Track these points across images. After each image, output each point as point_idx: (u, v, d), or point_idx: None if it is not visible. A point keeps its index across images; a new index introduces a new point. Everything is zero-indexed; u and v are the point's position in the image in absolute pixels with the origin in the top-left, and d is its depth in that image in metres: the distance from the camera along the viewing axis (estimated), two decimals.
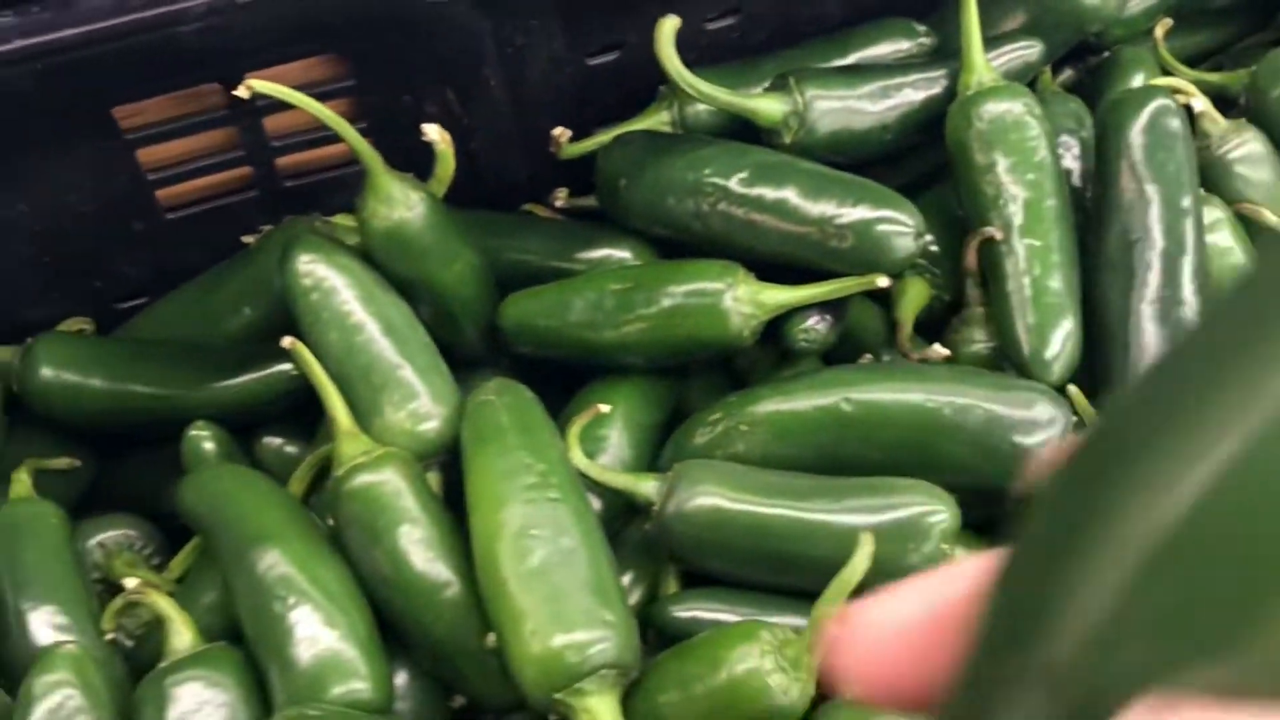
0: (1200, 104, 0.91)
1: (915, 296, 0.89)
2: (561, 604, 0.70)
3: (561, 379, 0.92)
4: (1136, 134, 0.85)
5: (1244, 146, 0.92)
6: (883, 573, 0.74)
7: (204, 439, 0.87)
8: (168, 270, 0.95)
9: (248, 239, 0.94)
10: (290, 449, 0.92)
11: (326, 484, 0.82)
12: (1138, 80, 0.97)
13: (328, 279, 0.83)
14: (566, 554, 0.72)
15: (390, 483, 0.77)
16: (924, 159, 0.96)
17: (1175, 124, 0.86)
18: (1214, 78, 1.00)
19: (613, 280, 0.87)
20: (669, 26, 0.82)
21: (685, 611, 0.78)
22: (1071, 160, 0.91)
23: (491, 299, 0.91)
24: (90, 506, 0.92)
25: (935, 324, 0.91)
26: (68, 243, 0.89)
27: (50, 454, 0.91)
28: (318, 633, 0.73)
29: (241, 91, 0.74)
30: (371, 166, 0.81)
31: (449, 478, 0.83)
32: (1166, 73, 1.02)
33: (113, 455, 0.96)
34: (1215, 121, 0.93)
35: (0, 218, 0.84)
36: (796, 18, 0.95)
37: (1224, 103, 0.99)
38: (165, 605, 0.76)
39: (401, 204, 0.82)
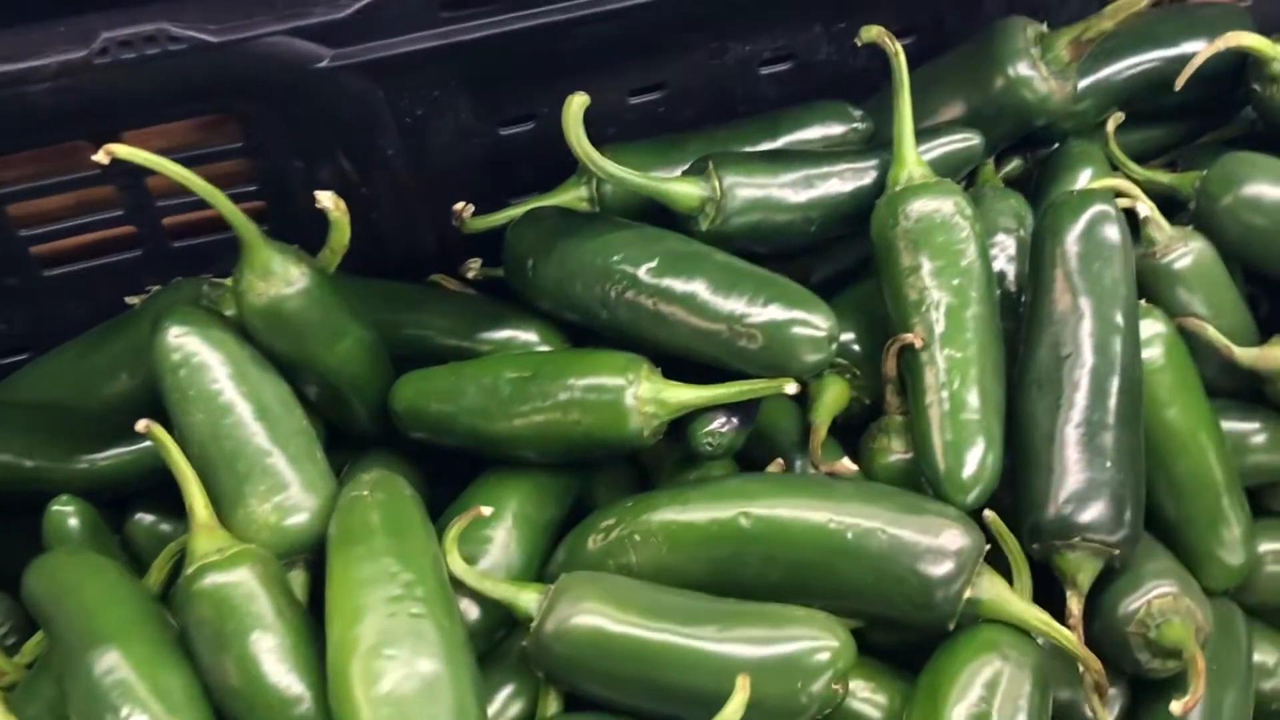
0: (1145, 209, 0.86)
1: (833, 399, 0.83)
2: None
3: (465, 461, 0.86)
4: (1072, 242, 0.80)
5: (1189, 256, 0.87)
6: (770, 712, 0.69)
7: (68, 515, 0.82)
8: (50, 327, 0.90)
9: (132, 300, 0.89)
10: (164, 526, 0.86)
11: (178, 581, 0.76)
12: (1085, 177, 0.93)
13: (198, 354, 0.77)
14: (424, 678, 0.66)
15: (243, 584, 0.71)
16: (854, 249, 0.91)
17: (1114, 232, 0.81)
18: (1164, 178, 0.96)
19: (510, 367, 0.82)
20: (577, 104, 0.77)
21: None
22: (1006, 262, 0.86)
23: (385, 377, 0.85)
24: None
25: (855, 425, 0.86)
26: None
27: None
28: None
29: (100, 157, 0.68)
30: (246, 237, 0.75)
31: (317, 577, 0.77)
32: (1117, 168, 0.98)
33: None
34: (1160, 228, 0.88)
35: None
36: (727, 95, 0.91)
37: (1173, 205, 0.94)
38: None
39: (280, 279, 0.77)
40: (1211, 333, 0.84)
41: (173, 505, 0.86)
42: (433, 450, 0.87)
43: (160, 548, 0.83)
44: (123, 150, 0.69)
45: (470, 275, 0.95)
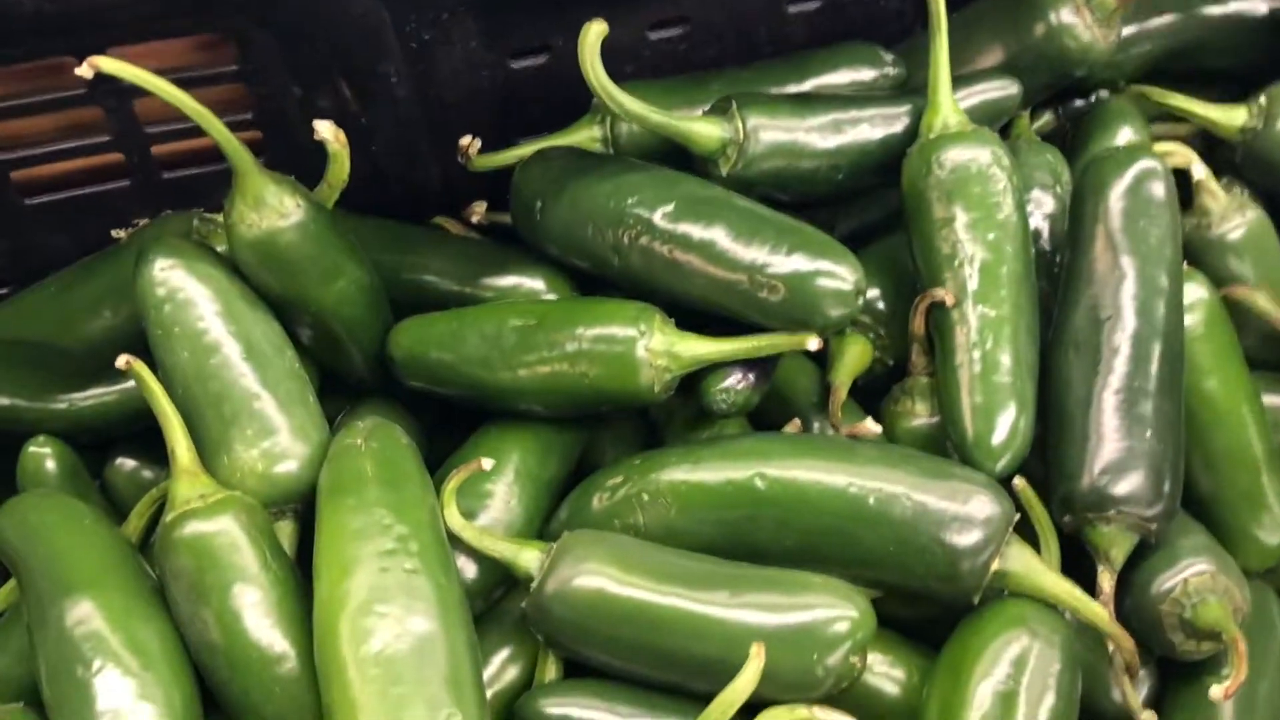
0: (1201, 171, 0.82)
1: (854, 358, 0.79)
2: (402, 698, 0.60)
3: (465, 413, 0.82)
4: (1116, 198, 0.76)
5: (1244, 227, 0.83)
6: (784, 684, 0.65)
7: (45, 456, 0.78)
8: (29, 261, 0.85)
9: (117, 233, 0.84)
10: (146, 473, 0.83)
11: (157, 529, 0.72)
12: (1124, 135, 0.88)
13: (184, 290, 0.73)
14: (417, 638, 0.62)
15: (226, 533, 0.67)
16: (880, 203, 0.87)
17: (1161, 190, 0.76)
18: (1213, 112, 0.90)
19: (515, 315, 0.77)
20: (595, 32, 0.72)
21: (557, 708, 0.68)
22: (1042, 219, 0.82)
23: (383, 321, 0.81)
24: None
25: (876, 388, 0.82)
26: None
27: None
28: (126, 706, 0.62)
29: (84, 70, 0.64)
30: (239, 165, 0.71)
31: (310, 529, 0.73)
32: (1155, 118, 0.93)
33: None
34: (1215, 196, 0.83)
35: None
36: (753, 34, 0.86)
37: (1220, 144, 0.90)
38: None
39: (274, 210, 0.72)
40: (1263, 302, 0.80)
41: (156, 450, 0.82)
42: (431, 400, 0.83)
43: (142, 495, 0.80)
44: (108, 64, 0.64)
45: (475, 220, 0.90)
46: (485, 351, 0.77)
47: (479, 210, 0.90)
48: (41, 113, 0.75)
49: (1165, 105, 0.91)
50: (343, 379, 0.83)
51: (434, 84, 0.79)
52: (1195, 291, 0.78)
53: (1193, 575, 0.71)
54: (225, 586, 0.66)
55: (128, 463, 0.82)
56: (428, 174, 0.87)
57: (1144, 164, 0.77)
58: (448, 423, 0.84)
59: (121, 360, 0.69)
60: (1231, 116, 0.90)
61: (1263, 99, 0.88)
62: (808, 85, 0.85)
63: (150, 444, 0.82)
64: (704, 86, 0.85)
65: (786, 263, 0.73)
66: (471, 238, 0.90)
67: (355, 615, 0.62)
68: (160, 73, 0.70)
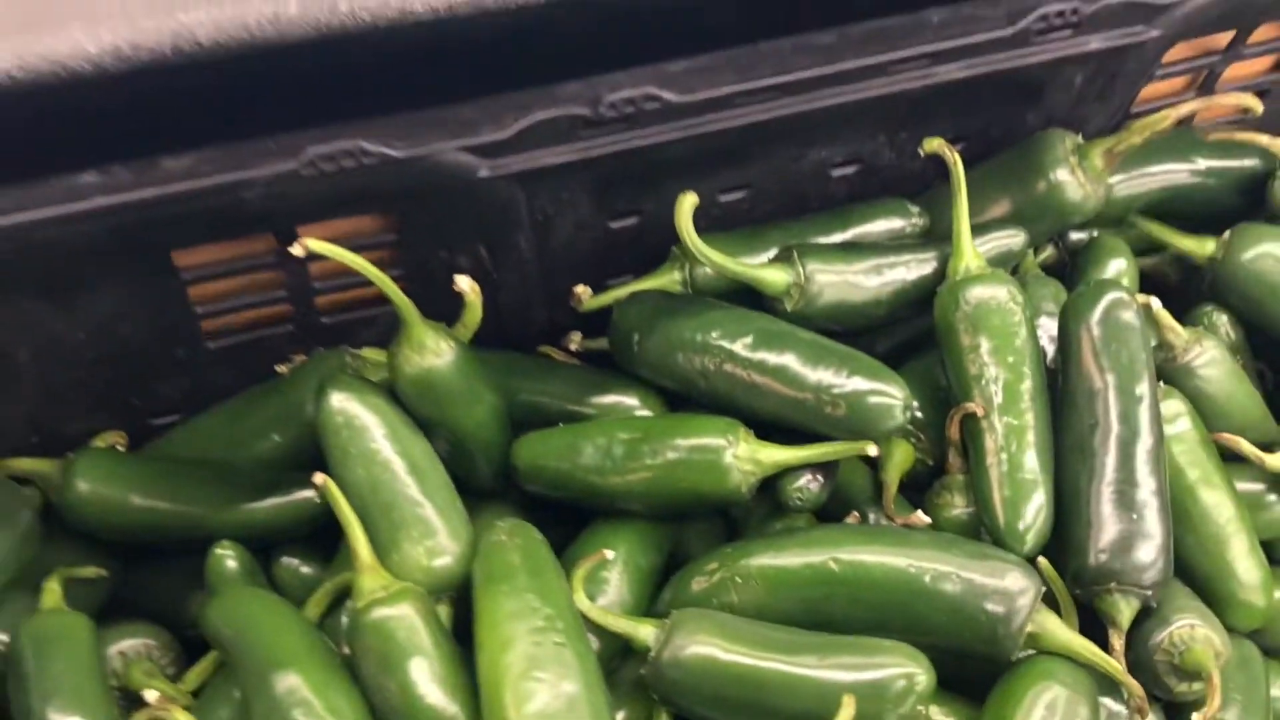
0: (1157, 304, 1.00)
1: (901, 460, 0.96)
2: None
3: (566, 512, 0.98)
4: (1093, 325, 0.93)
5: (1204, 355, 1.01)
6: None
7: (228, 558, 0.93)
8: (201, 390, 1.01)
9: (280, 368, 1.01)
10: (306, 570, 0.98)
11: (343, 612, 0.87)
12: (1112, 266, 1.06)
13: (358, 417, 0.89)
14: (569, 698, 0.77)
15: (406, 617, 0.82)
16: (912, 326, 1.04)
17: (1129, 316, 0.94)
18: (1187, 243, 1.08)
19: (621, 429, 0.94)
20: (688, 203, 0.90)
21: None
22: (1048, 341, 0.99)
23: (507, 438, 0.97)
24: (110, 612, 0.97)
25: (918, 484, 0.98)
26: (115, 367, 0.95)
27: (78, 561, 0.96)
28: None
29: (297, 250, 0.81)
30: (408, 317, 0.88)
31: (458, 611, 0.88)
32: (1145, 252, 1.12)
33: (134, 563, 1.01)
34: (1176, 332, 1.01)
35: (60, 344, 0.90)
36: (802, 193, 1.03)
37: (1193, 270, 1.08)
38: None
39: (432, 352, 0.89)
40: (1245, 447, 0.97)
41: (314, 551, 0.98)
42: (539, 501, 0.98)
43: (303, 587, 0.95)
44: (316, 245, 0.81)
45: (573, 347, 1.07)
46: (598, 461, 0.93)
47: (576, 339, 1.07)
48: (234, 276, 0.92)
49: (1149, 235, 1.10)
50: (466, 484, 0.99)
51: (550, 244, 0.96)
52: (1172, 406, 0.96)
53: (1178, 629, 0.87)
54: (406, 661, 0.81)
55: (292, 561, 0.98)
56: (537, 314, 1.03)
57: (1113, 295, 0.95)
58: (546, 519, 0.99)
59: (318, 478, 0.85)
60: (1203, 246, 1.08)
61: (1228, 234, 1.06)
62: (850, 234, 1.03)
63: (309, 546, 0.99)
64: (764, 237, 1.02)
65: (847, 384, 0.90)
66: (573, 363, 1.06)
67: (517, 681, 0.78)
68: (332, 239, 0.88)
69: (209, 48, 0.74)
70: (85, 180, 0.77)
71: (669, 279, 1.02)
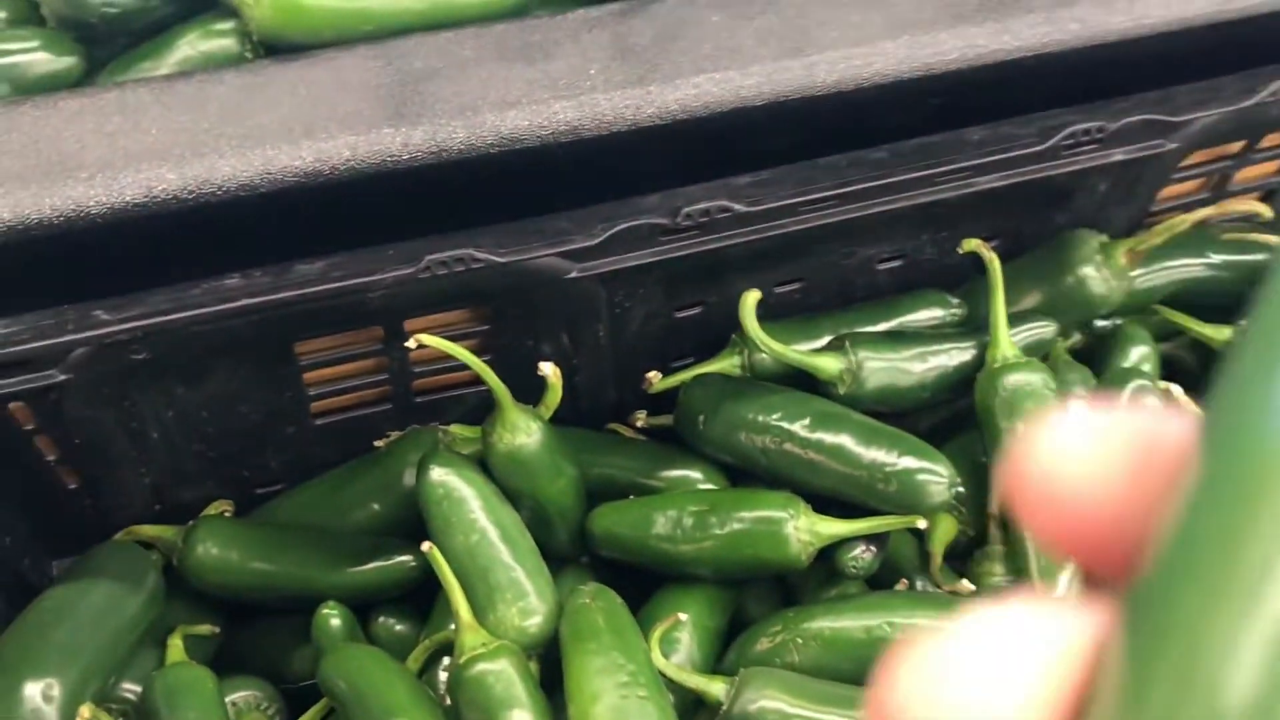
0: (1178, 390, 1.09)
1: (945, 532, 1.05)
2: None
3: (632, 575, 1.07)
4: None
5: None
6: None
7: (333, 617, 1.02)
8: (303, 462, 1.12)
9: (378, 443, 1.11)
10: (400, 628, 1.07)
11: (446, 668, 0.97)
12: (1135, 353, 1.15)
13: (457, 489, 0.99)
14: None
15: (505, 672, 0.91)
16: (952, 407, 1.14)
17: (1152, 401, 1.03)
18: (1205, 329, 1.18)
19: (690, 501, 1.03)
20: (752, 298, 1.01)
21: None
22: None
23: (583, 507, 1.07)
24: (217, 667, 1.06)
25: (960, 554, 1.07)
26: (230, 441, 1.05)
27: (192, 619, 1.05)
28: None
29: (410, 344, 0.92)
30: (503, 401, 0.98)
31: (543, 666, 0.98)
32: (1167, 337, 1.21)
33: (240, 620, 1.11)
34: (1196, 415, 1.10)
35: (185, 421, 1.00)
36: (851, 285, 1.14)
37: (1210, 355, 1.18)
38: None
39: (523, 431, 0.99)
40: None
41: (406, 612, 1.08)
42: (607, 565, 1.08)
43: (397, 644, 1.05)
44: (429, 339, 0.92)
45: (639, 424, 1.17)
46: (669, 530, 1.03)
47: (641, 417, 1.17)
48: (345, 363, 1.03)
49: (1169, 323, 1.19)
50: (543, 550, 1.08)
51: (624, 332, 1.06)
52: None
53: None
54: (505, 711, 0.90)
55: (389, 620, 1.07)
56: (607, 394, 1.14)
57: (1136, 384, 1.05)
58: (620, 582, 1.09)
59: (425, 546, 0.95)
60: (1219, 333, 1.17)
61: (1244, 321, 1.16)
62: (894, 323, 1.13)
63: (403, 606, 1.08)
64: (816, 325, 1.13)
65: (898, 463, 0.99)
66: (640, 439, 1.16)
67: None
68: (435, 329, 0.98)
69: (344, 170, 0.85)
70: (230, 283, 0.88)
71: (729, 363, 1.12)
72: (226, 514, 1.11)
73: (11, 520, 1.01)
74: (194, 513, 1.09)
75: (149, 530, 1.06)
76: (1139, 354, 1.16)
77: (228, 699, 1.02)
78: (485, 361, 0.97)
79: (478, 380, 1.06)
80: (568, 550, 1.08)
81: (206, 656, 1.06)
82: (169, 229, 0.84)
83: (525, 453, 1.00)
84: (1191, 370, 1.23)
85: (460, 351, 0.93)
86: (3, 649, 0.91)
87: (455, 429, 1.09)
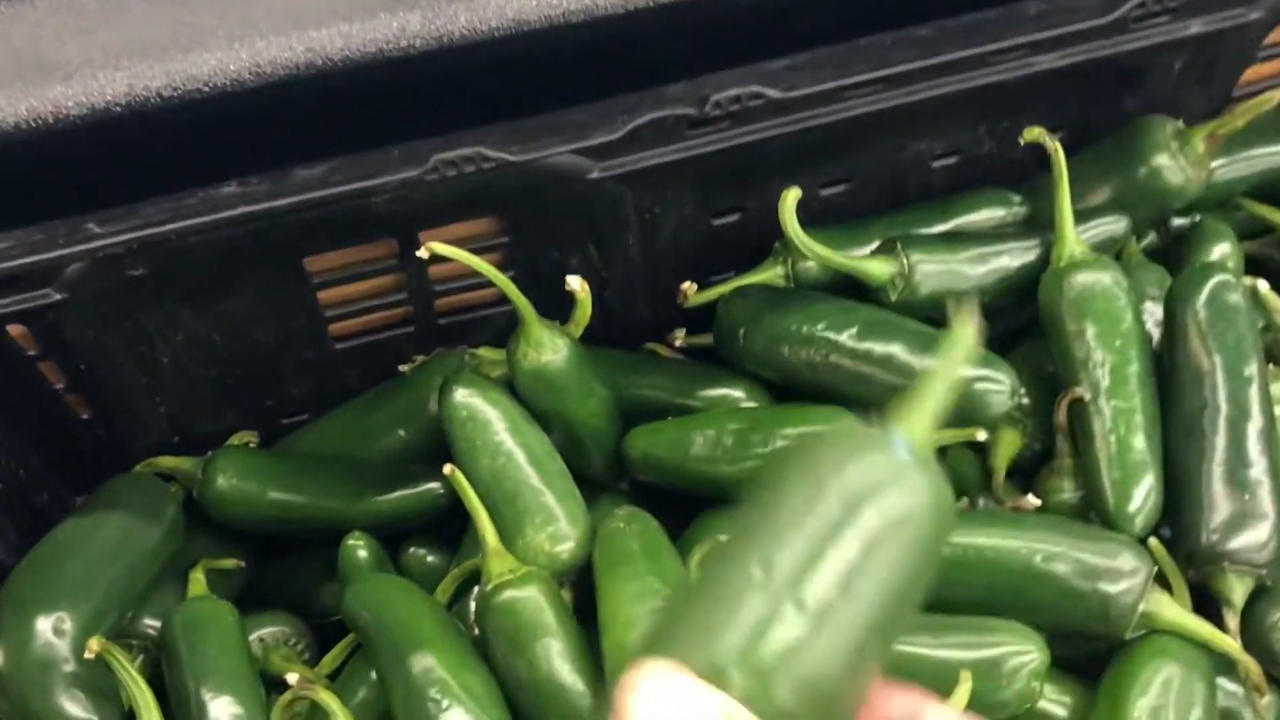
0: (1264, 285, 1.00)
1: (1009, 446, 0.97)
2: None
3: (675, 504, 1.01)
4: (1200, 307, 0.94)
5: None
6: (978, 706, 0.81)
7: (359, 548, 0.97)
8: (328, 390, 1.07)
9: (403, 368, 1.05)
10: (432, 559, 1.02)
11: (472, 595, 0.91)
12: (1217, 251, 1.06)
13: (482, 411, 0.93)
14: None
15: (533, 599, 0.86)
16: (1015, 315, 1.05)
17: (1235, 298, 0.94)
18: None
19: (731, 420, 0.97)
20: (792, 197, 0.93)
21: None
22: (1153, 326, 0.99)
23: (617, 430, 1.00)
24: (245, 602, 1.02)
25: (1026, 470, 0.99)
26: (247, 367, 1.00)
27: (216, 553, 1.01)
28: None
29: (422, 253, 0.85)
30: (526, 316, 0.92)
31: (577, 595, 0.92)
32: (1250, 235, 1.11)
33: (267, 555, 1.06)
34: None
35: (197, 346, 0.96)
36: (903, 185, 1.05)
37: None
38: (331, 702, 0.85)
39: (549, 348, 0.93)
40: None
41: (437, 541, 1.03)
42: (646, 491, 1.02)
43: (429, 575, 1.00)
44: (439, 247, 0.86)
45: (677, 343, 1.10)
46: (709, 451, 0.96)
47: (679, 336, 1.10)
48: (360, 280, 0.97)
49: (1254, 218, 1.10)
50: (577, 475, 1.02)
51: (656, 243, 0.99)
52: None
53: None
54: (534, 640, 0.85)
55: (419, 550, 1.02)
56: (641, 311, 1.07)
57: (1219, 278, 0.95)
58: (661, 510, 1.02)
59: (447, 469, 0.90)
60: None
61: None
62: (951, 225, 1.05)
63: (433, 536, 1.03)
64: (865, 230, 1.04)
65: None
66: (678, 358, 1.10)
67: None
68: (454, 244, 0.92)
69: (339, 62, 0.79)
70: (227, 191, 0.82)
71: (772, 274, 1.04)
72: (252, 445, 1.07)
73: (25, 453, 0.97)
74: (218, 446, 1.05)
75: (168, 462, 1.02)
76: (1221, 251, 1.06)
77: (254, 635, 0.98)
78: (509, 279, 0.91)
79: (503, 299, 1.00)
80: (603, 476, 1.02)
81: (233, 592, 1.02)
82: (158, 134, 0.79)
83: (552, 370, 0.94)
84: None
85: (473, 259, 0.87)
86: (14, 583, 0.88)
87: (482, 352, 1.03)
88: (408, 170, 0.82)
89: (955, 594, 0.87)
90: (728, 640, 0.43)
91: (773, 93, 0.86)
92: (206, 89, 0.77)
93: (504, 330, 1.02)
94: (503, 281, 0.88)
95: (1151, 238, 1.11)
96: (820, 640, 0.43)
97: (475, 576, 0.92)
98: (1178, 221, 1.11)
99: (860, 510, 0.45)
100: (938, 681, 0.80)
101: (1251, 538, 0.87)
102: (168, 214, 0.81)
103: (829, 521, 0.44)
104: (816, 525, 0.44)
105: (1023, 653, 0.82)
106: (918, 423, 0.48)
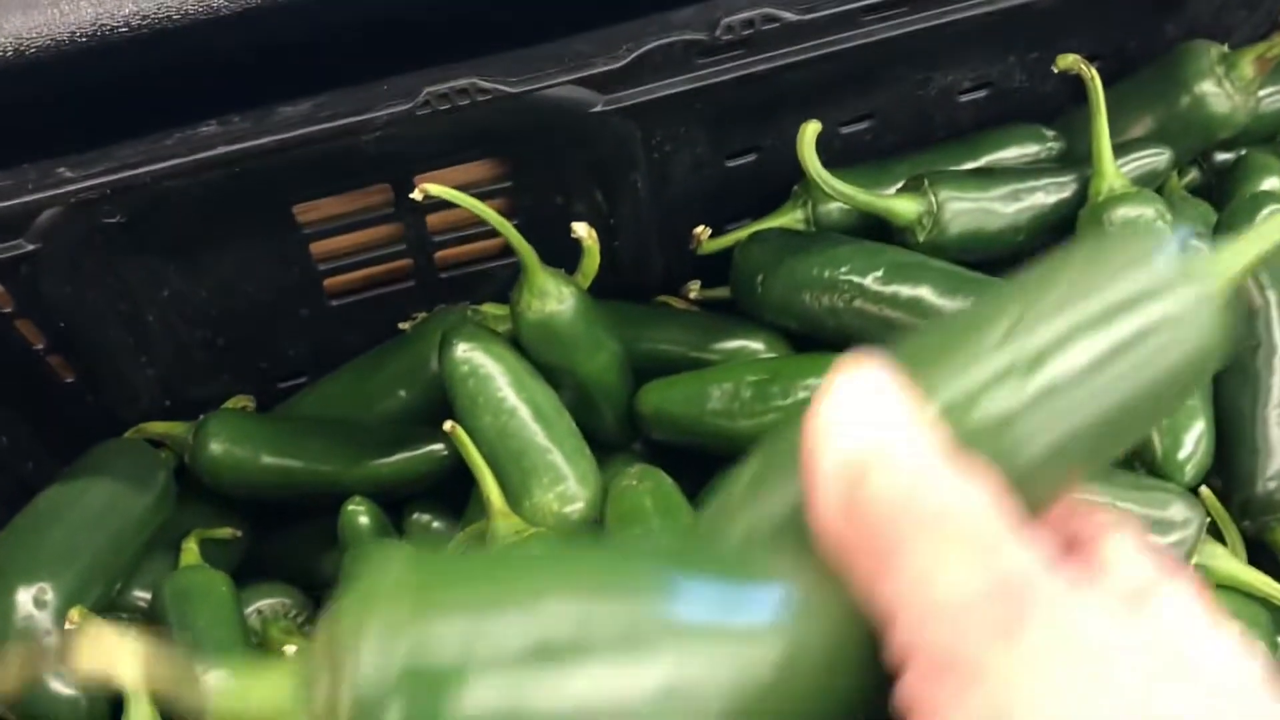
0: None
1: None
2: None
3: (692, 460, 0.95)
4: None
5: None
6: None
7: (360, 514, 0.92)
8: (326, 351, 1.02)
9: (403, 325, 1.00)
10: (437, 524, 0.97)
11: None
12: (1265, 184, 0.99)
13: (483, 366, 0.88)
14: None
15: None
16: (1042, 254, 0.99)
17: None
18: None
19: (749, 372, 0.91)
20: (811, 131, 0.87)
21: None
22: None
23: (629, 386, 0.95)
24: (244, 573, 0.98)
25: None
26: (239, 326, 0.95)
27: (212, 523, 0.97)
28: None
29: (415, 195, 0.80)
30: (529, 264, 0.86)
31: None
32: None
33: (267, 525, 1.02)
34: None
35: (183, 303, 0.91)
36: (928, 122, 0.99)
37: None
38: None
39: (554, 298, 0.87)
40: None
41: (441, 505, 0.98)
42: (661, 450, 0.96)
43: (433, 540, 0.95)
44: (435, 188, 0.80)
45: (692, 296, 1.05)
46: (726, 405, 0.90)
47: (694, 288, 1.05)
48: (354, 231, 0.92)
49: None
50: (588, 434, 0.97)
51: (668, 185, 0.94)
52: None
53: None
54: None
55: (423, 516, 0.97)
56: (653, 261, 1.01)
57: (1271, 208, 0.89)
58: (677, 469, 0.97)
59: (448, 425, 0.84)
60: None
61: None
62: (981, 161, 0.98)
63: (437, 501, 0.98)
64: (890, 170, 0.99)
65: None
66: (693, 310, 1.04)
67: None
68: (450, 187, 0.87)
69: None
70: (206, 131, 0.77)
71: (791, 218, 0.99)
72: (247, 409, 1.02)
73: (7, 419, 0.93)
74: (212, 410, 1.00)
75: (158, 427, 0.97)
76: (1270, 184, 0.99)
77: (253, 607, 0.94)
78: (512, 226, 0.86)
79: (508, 252, 0.95)
80: (615, 435, 0.97)
81: (231, 564, 0.97)
82: (129, 70, 0.74)
83: (558, 322, 0.88)
84: None
85: (471, 201, 0.81)
86: None
87: (486, 307, 0.98)
88: (398, 104, 0.77)
89: None
90: (946, 391, 0.42)
91: (788, 15, 0.80)
92: (178, 18, 0.71)
93: (508, 286, 0.96)
94: (502, 224, 0.83)
95: (1193, 174, 1.05)
96: (1033, 423, 0.41)
97: (481, 541, 0.87)
98: (1221, 156, 1.05)
99: (1129, 315, 0.42)
100: None
101: None
102: (144, 156, 0.76)
103: (1091, 315, 0.42)
104: (1080, 314, 0.42)
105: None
106: (1229, 260, 0.44)
